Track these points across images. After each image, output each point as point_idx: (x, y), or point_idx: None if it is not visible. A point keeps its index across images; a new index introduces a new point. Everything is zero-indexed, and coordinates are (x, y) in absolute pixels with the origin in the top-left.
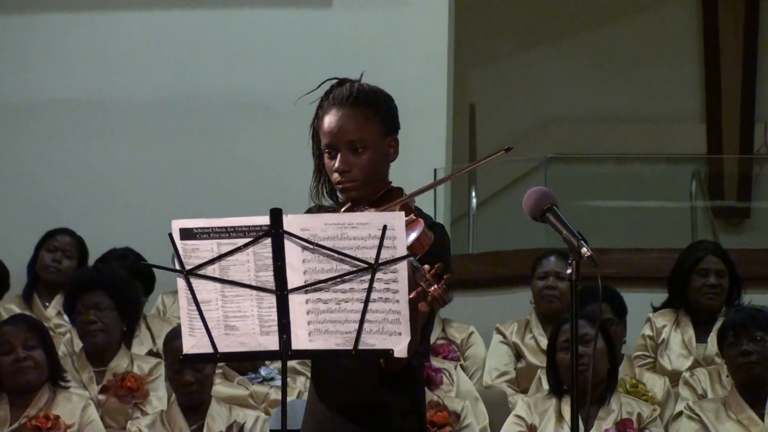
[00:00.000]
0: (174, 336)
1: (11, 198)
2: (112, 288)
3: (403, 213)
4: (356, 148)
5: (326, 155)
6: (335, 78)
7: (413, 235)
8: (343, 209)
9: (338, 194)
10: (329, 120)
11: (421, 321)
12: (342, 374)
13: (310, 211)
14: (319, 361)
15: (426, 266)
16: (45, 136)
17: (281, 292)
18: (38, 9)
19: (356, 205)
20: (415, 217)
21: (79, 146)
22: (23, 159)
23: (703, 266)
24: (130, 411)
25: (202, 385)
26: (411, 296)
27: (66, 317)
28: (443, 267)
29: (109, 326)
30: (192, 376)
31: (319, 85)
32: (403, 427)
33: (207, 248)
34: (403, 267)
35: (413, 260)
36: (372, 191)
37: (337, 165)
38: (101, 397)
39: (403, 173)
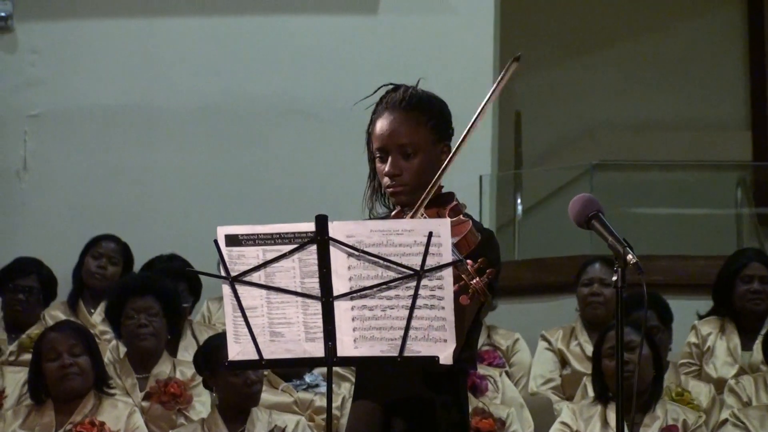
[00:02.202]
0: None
1: (57, 205)
2: (162, 294)
3: (448, 220)
4: (407, 152)
5: (378, 159)
6: (391, 83)
7: (459, 235)
8: (392, 214)
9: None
10: (381, 124)
11: (468, 320)
12: (386, 372)
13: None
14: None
15: (469, 261)
16: (89, 142)
17: (327, 298)
18: (82, 16)
19: (406, 210)
20: (463, 219)
21: (124, 152)
22: (68, 165)
23: (747, 273)
24: (174, 417)
25: (262, 385)
26: (453, 289)
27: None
28: (486, 262)
29: (158, 331)
30: (254, 375)
31: (375, 91)
32: (447, 420)
33: (252, 255)
34: (448, 274)
35: (457, 255)
36: (422, 196)
37: (387, 169)
38: (144, 403)
39: (448, 180)
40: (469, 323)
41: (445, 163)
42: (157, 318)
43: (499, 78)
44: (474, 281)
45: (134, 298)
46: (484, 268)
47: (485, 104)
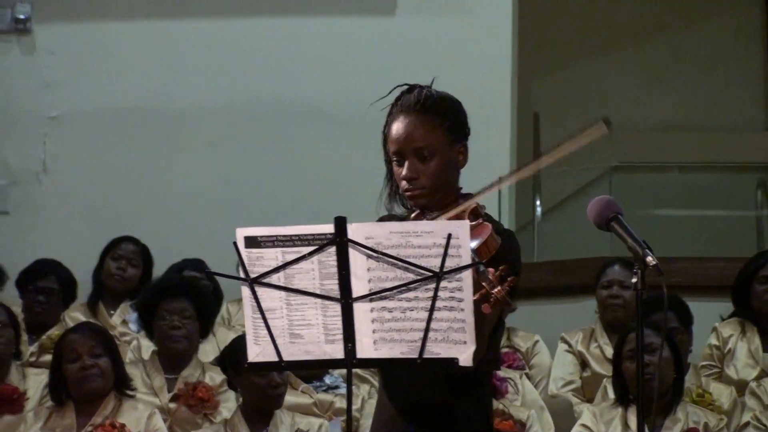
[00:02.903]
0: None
1: (76, 206)
2: (197, 297)
3: (468, 222)
4: (423, 155)
5: (395, 163)
6: (405, 84)
7: (480, 239)
8: (412, 216)
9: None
10: (397, 127)
11: (489, 326)
12: (410, 375)
13: (382, 219)
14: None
15: (490, 268)
16: (109, 144)
17: (346, 300)
18: (101, 17)
19: (425, 213)
20: (483, 221)
21: (143, 154)
22: (87, 167)
23: (764, 273)
24: (200, 421)
25: (286, 387)
26: (474, 298)
27: (133, 324)
28: (508, 269)
29: (191, 334)
30: (279, 377)
31: (390, 92)
32: (469, 429)
33: (271, 256)
34: (468, 276)
35: (477, 261)
36: (441, 198)
37: (404, 173)
38: (172, 405)
39: (467, 182)
40: (490, 329)
41: (491, 184)
42: (190, 321)
43: (579, 135)
44: (495, 290)
45: (169, 299)
46: (506, 275)
47: (553, 155)
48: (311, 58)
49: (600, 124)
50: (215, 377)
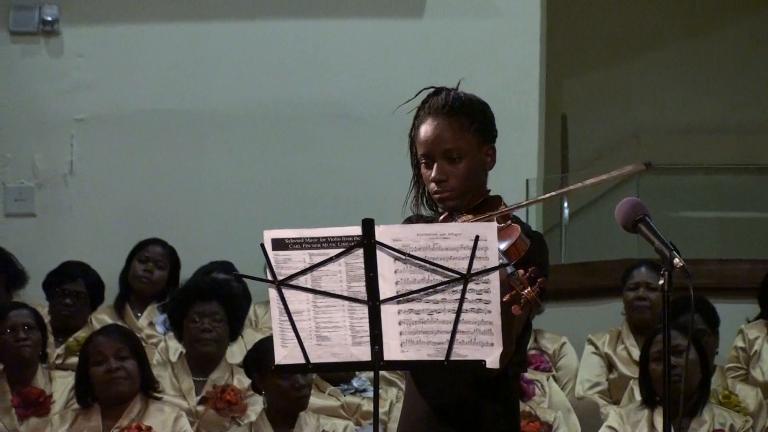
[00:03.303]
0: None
1: (103, 209)
2: (228, 300)
3: (495, 224)
4: (452, 157)
5: (423, 165)
6: (432, 87)
7: (509, 240)
8: (440, 218)
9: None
10: (425, 130)
11: (517, 328)
12: (437, 377)
13: (409, 221)
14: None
15: (520, 270)
16: (136, 146)
17: (373, 302)
18: (128, 20)
19: (454, 215)
20: (512, 224)
21: (170, 156)
22: (114, 169)
23: None
24: (227, 425)
25: (310, 389)
26: (504, 299)
27: (160, 326)
28: (537, 271)
29: (221, 337)
30: (303, 379)
31: (416, 95)
32: (496, 431)
33: (299, 258)
34: (495, 278)
35: (507, 263)
36: (470, 200)
37: (433, 175)
38: (200, 408)
39: (495, 183)
40: (519, 330)
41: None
42: (221, 324)
43: (619, 172)
44: (526, 291)
45: (200, 302)
46: (536, 276)
47: (588, 185)
48: (339, 61)
49: (640, 166)
50: (243, 380)
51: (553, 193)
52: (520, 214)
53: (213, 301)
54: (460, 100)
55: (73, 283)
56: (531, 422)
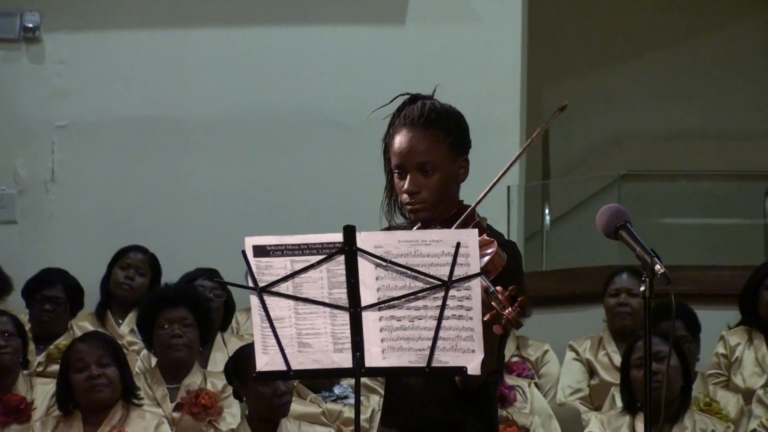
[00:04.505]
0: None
1: (85, 216)
2: (195, 305)
3: (476, 231)
4: (426, 170)
5: (396, 175)
6: (407, 93)
7: (487, 256)
8: (414, 228)
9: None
10: (399, 140)
11: (496, 343)
12: (415, 394)
13: (389, 229)
14: (393, 378)
15: (499, 288)
16: (117, 153)
17: (355, 309)
18: (110, 27)
19: (427, 225)
20: (488, 238)
21: (152, 164)
22: (96, 176)
23: None
24: (204, 429)
25: (292, 396)
26: (485, 318)
27: (138, 334)
28: (517, 289)
29: (191, 342)
30: (284, 386)
31: (391, 101)
32: None
33: (280, 265)
34: (476, 284)
35: (487, 283)
36: (442, 211)
37: (406, 186)
38: (175, 414)
39: (476, 191)
40: (497, 346)
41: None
42: (190, 329)
43: (544, 125)
44: (507, 311)
45: (168, 308)
46: (516, 295)
47: (522, 151)
48: (321, 67)
49: (556, 112)
50: (217, 383)
51: (507, 166)
52: (503, 220)
53: (180, 307)
54: (437, 111)
55: (52, 289)
56: (508, 426)
